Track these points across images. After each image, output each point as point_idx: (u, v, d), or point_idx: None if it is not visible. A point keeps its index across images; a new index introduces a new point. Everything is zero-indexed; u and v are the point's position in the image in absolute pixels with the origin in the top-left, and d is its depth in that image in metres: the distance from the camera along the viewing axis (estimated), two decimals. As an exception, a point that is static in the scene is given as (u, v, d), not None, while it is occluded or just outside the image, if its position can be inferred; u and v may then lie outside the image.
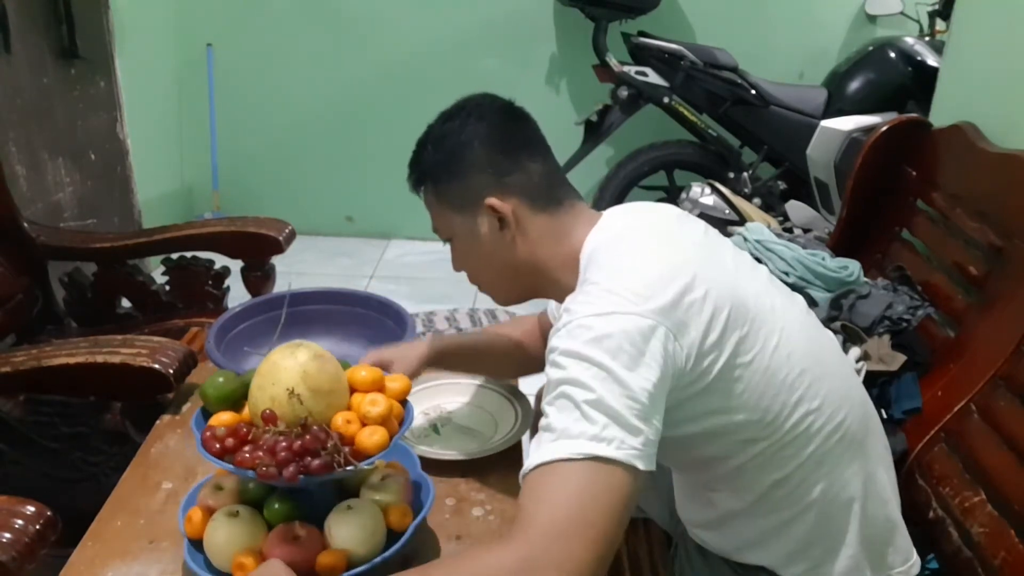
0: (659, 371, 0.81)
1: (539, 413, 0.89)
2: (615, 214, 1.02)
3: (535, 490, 0.78)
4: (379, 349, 1.13)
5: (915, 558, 1.05)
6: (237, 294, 1.83)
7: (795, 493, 0.95)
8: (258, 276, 1.83)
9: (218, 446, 0.89)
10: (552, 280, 1.01)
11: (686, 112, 2.88)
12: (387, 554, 0.90)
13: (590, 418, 0.78)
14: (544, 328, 1.28)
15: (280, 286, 1.79)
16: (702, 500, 1.04)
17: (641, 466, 0.78)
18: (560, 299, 0.99)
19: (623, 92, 2.83)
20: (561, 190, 1.03)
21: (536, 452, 0.80)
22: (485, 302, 2.97)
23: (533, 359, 1.24)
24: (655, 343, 0.82)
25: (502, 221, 0.99)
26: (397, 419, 0.96)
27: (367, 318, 1.40)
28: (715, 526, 1.04)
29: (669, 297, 0.85)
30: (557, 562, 0.73)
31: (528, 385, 1.40)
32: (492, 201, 0.98)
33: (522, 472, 0.80)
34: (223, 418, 0.94)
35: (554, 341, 0.84)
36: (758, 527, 0.98)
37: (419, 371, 1.14)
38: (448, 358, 1.21)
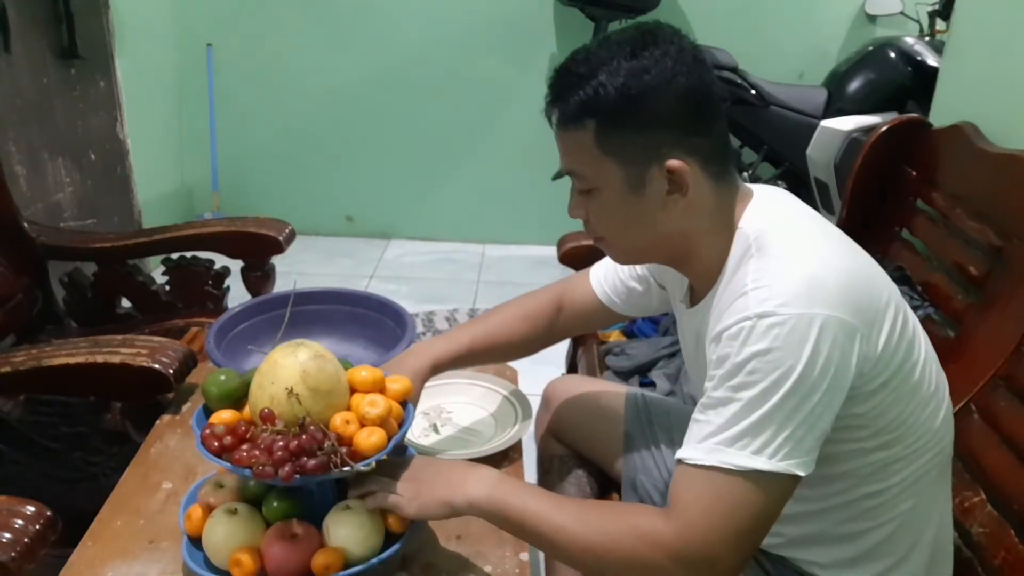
0: (849, 377, 0.80)
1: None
2: (766, 191, 0.94)
3: (701, 487, 0.80)
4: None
5: None
6: (237, 294, 1.83)
7: (884, 506, 0.92)
8: (258, 276, 1.83)
9: (217, 444, 0.89)
10: (694, 254, 0.93)
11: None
12: (384, 555, 0.90)
13: (768, 429, 0.78)
14: (574, 298, 1.22)
15: (280, 286, 1.79)
16: None
17: (804, 473, 0.80)
18: (691, 274, 0.96)
19: (623, 92, 2.83)
20: (731, 161, 0.93)
21: (708, 445, 0.80)
22: (485, 302, 2.98)
23: (544, 337, 1.23)
24: (850, 347, 0.79)
25: (676, 185, 0.87)
26: (396, 420, 0.96)
27: (367, 318, 1.40)
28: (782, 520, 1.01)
29: (864, 298, 0.82)
30: (709, 562, 0.80)
31: (528, 385, 1.40)
32: (674, 164, 0.86)
33: (688, 457, 0.81)
34: (224, 416, 0.94)
35: (741, 332, 0.79)
36: (832, 530, 0.95)
37: (422, 382, 1.13)
38: (453, 364, 1.18)
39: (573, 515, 0.87)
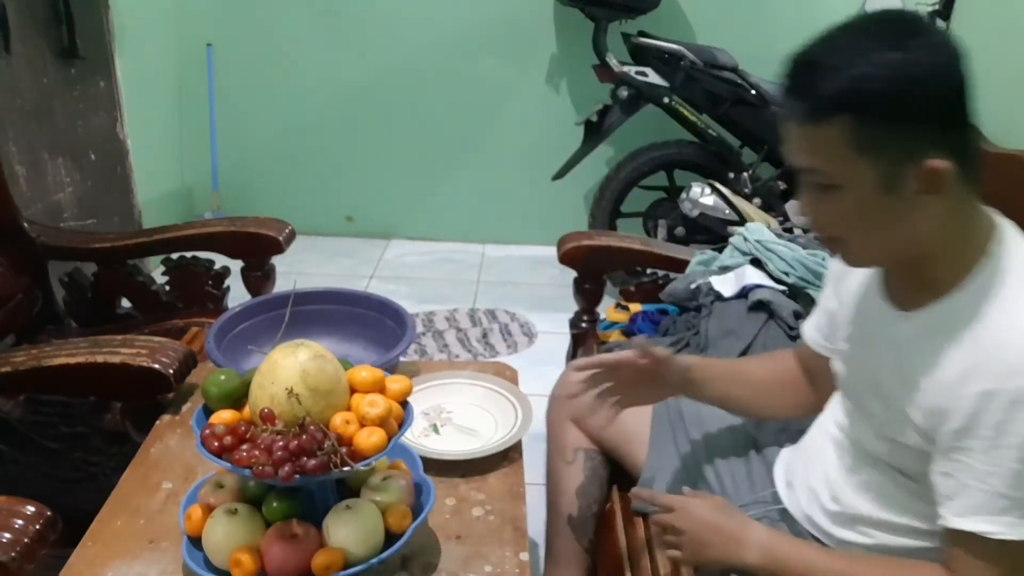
0: None
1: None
2: (1011, 224, 0.89)
3: (997, 559, 0.82)
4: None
5: None
6: (237, 294, 1.83)
7: None
8: (258, 276, 1.83)
9: (217, 444, 0.89)
10: (926, 263, 0.87)
11: (686, 112, 2.88)
12: (384, 555, 0.90)
13: None
14: (805, 362, 1.17)
15: (280, 286, 1.79)
16: (891, 502, 0.98)
17: None
18: (912, 279, 0.90)
19: (623, 92, 2.83)
20: (979, 162, 0.85)
21: (1010, 520, 0.80)
22: (485, 302, 2.98)
23: (790, 403, 1.18)
24: None
25: (932, 185, 0.80)
26: (397, 420, 0.96)
27: (367, 318, 1.40)
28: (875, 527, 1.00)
29: None
30: None
31: (528, 386, 1.40)
32: (937, 163, 0.79)
33: (988, 532, 0.81)
34: (224, 416, 0.94)
35: (1017, 382, 0.77)
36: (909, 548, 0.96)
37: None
38: (694, 374, 1.14)
39: (860, 570, 0.91)
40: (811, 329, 1.14)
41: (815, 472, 1.08)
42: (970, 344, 0.83)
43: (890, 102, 0.78)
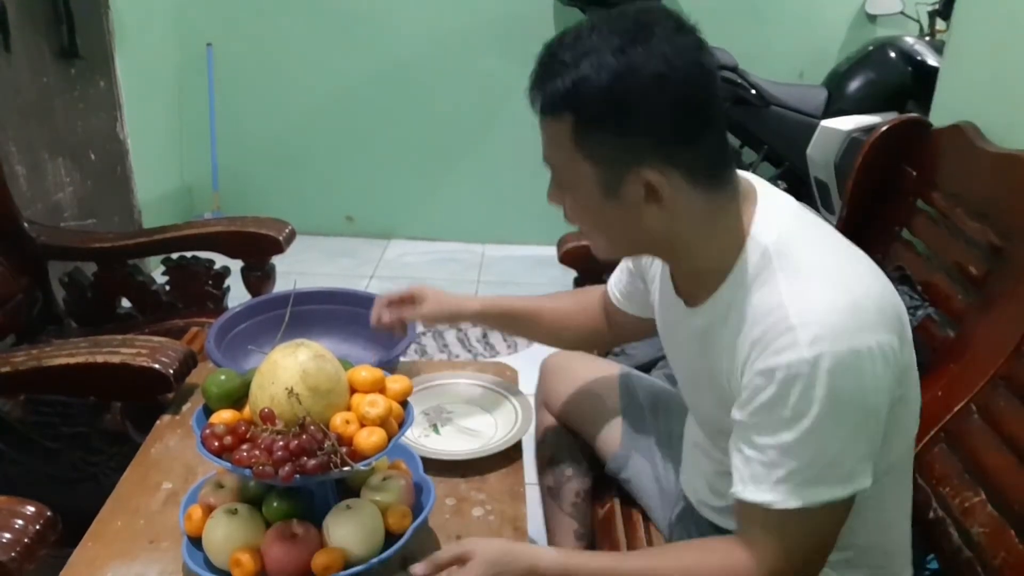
0: (893, 390, 0.82)
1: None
2: (766, 190, 0.92)
3: (789, 527, 0.83)
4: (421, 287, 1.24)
5: None
6: (237, 294, 1.83)
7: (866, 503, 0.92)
8: (258, 276, 1.83)
9: (217, 444, 0.89)
10: (685, 256, 0.90)
11: (686, 112, 2.88)
12: (384, 555, 0.90)
13: (847, 460, 0.80)
14: (607, 307, 1.23)
15: (280, 286, 1.79)
16: None
17: (871, 481, 0.82)
18: (682, 273, 0.95)
19: (623, 92, 2.83)
20: (727, 166, 0.87)
21: (790, 488, 0.81)
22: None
23: (586, 337, 1.28)
24: (895, 362, 0.81)
25: (652, 195, 0.82)
26: (397, 420, 0.96)
27: (367, 318, 1.39)
28: None
29: (893, 314, 0.83)
30: None
31: (528, 385, 1.40)
32: (650, 176, 0.80)
33: (770, 502, 0.82)
34: (224, 416, 0.94)
35: (799, 378, 0.78)
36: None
37: (450, 317, 1.25)
38: (491, 320, 1.26)
39: (659, 558, 0.92)
40: (613, 284, 1.21)
41: (694, 472, 1.13)
42: (746, 328, 0.83)
43: (604, 108, 0.78)
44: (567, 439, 1.33)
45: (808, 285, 0.81)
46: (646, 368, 1.72)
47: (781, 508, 0.81)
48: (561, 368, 1.38)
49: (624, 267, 1.18)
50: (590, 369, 1.36)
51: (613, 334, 1.27)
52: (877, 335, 0.79)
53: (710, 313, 0.91)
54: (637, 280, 1.15)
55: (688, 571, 0.88)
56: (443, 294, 1.25)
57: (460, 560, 0.88)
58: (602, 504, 1.30)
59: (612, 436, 1.29)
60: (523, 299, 1.27)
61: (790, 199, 0.93)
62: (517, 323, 1.27)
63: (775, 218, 0.87)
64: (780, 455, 0.81)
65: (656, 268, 1.07)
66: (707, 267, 0.89)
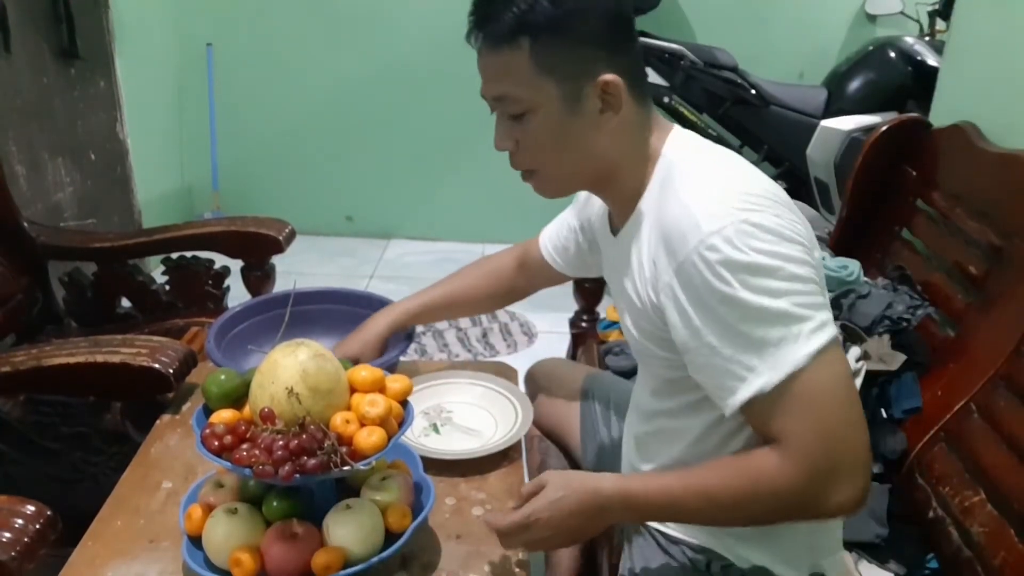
0: (806, 243, 0.84)
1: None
2: (686, 131, 0.97)
3: (788, 407, 0.79)
4: (341, 343, 1.25)
5: None
6: (237, 294, 1.83)
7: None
8: (258, 276, 1.83)
9: (217, 444, 0.89)
10: (618, 178, 0.95)
11: (686, 112, 2.88)
12: (384, 554, 0.90)
13: (792, 315, 0.79)
14: (530, 257, 1.30)
15: (280, 286, 1.79)
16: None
17: (835, 331, 0.82)
18: (614, 200, 0.99)
19: (623, 92, 2.83)
20: (647, 81, 0.96)
21: (769, 363, 0.79)
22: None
23: (507, 294, 1.34)
24: (799, 231, 0.83)
25: (608, 103, 0.90)
26: (397, 420, 0.96)
27: (367, 318, 1.40)
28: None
29: (783, 197, 0.87)
30: (836, 463, 0.79)
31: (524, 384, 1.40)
32: (609, 78, 0.88)
33: (764, 385, 0.79)
34: (224, 416, 0.94)
35: (692, 242, 0.81)
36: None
37: (383, 346, 1.26)
38: (414, 320, 1.31)
39: (710, 481, 0.86)
40: (547, 241, 1.28)
41: (628, 445, 1.14)
42: (655, 238, 0.88)
43: (559, 23, 0.86)
44: (553, 447, 1.35)
45: (702, 182, 0.86)
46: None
47: (773, 387, 0.79)
48: (536, 378, 1.44)
49: (564, 222, 1.24)
50: (563, 378, 1.40)
51: (527, 287, 1.34)
52: (773, 210, 0.82)
53: (629, 233, 0.95)
54: (577, 236, 1.20)
55: (738, 496, 0.83)
56: (365, 334, 1.28)
57: (539, 487, 0.90)
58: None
59: (576, 443, 1.33)
60: (433, 290, 1.33)
61: (698, 136, 0.98)
62: (436, 315, 1.36)
63: (682, 141, 0.94)
64: (735, 342, 0.80)
65: (598, 222, 1.10)
66: (630, 188, 0.94)
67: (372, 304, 1.41)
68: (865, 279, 1.51)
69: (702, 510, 0.86)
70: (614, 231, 1.02)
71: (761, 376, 0.79)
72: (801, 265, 0.81)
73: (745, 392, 0.81)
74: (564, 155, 0.93)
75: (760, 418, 0.82)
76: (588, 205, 1.15)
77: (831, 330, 0.81)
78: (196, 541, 0.93)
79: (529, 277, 1.32)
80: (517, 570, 0.97)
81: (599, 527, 0.90)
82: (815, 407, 0.79)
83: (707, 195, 0.84)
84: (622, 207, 0.97)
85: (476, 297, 1.33)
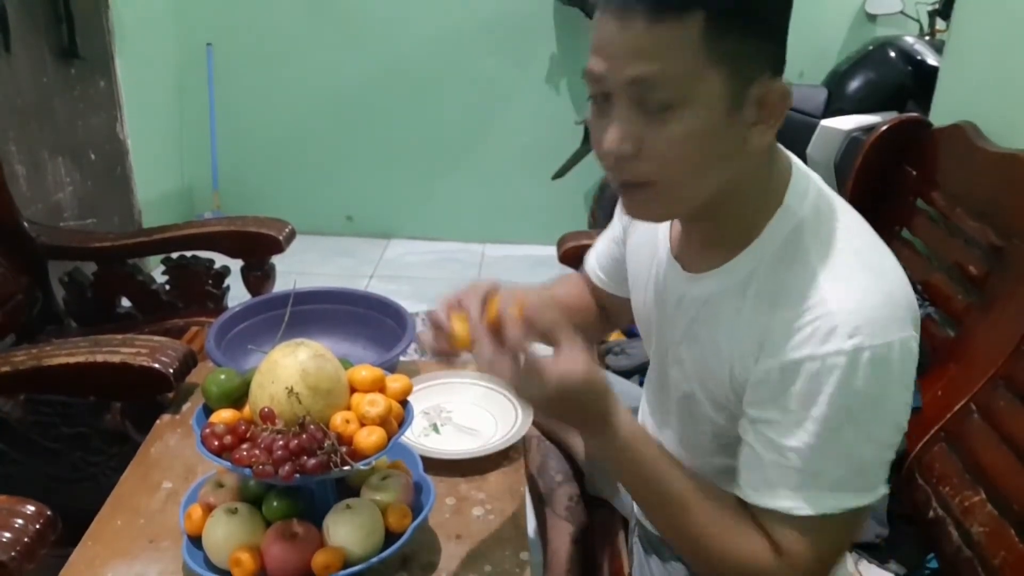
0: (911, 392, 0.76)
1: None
2: (800, 163, 0.82)
3: (808, 533, 0.76)
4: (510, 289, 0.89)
5: None
6: (237, 294, 1.83)
7: None
8: (258, 276, 1.83)
9: (217, 443, 0.89)
10: (726, 212, 0.79)
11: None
12: (384, 554, 0.90)
13: (870, 468, 0.75)
14: (592, 291, 1.15)
15: (280, 286, 1.79)
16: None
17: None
18: (704, 235, 0.84)
19: (623, 92, 2.83)
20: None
21: (812, 495, 0.75)
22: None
23: (594, 324, 1.17)
24: (915, 360, 0.75)
25: (765, 115, 0.72)
26: (397, 419, 0.96)
27: (367, 318, 1.40)
28: None
29: (915, 303, 0.76)
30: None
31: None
32: (779, 85, 0.72)
33: (792, 508, 0.76)
34: (224, 415, 0.94)
35: (835, 369, 0.71)
36: None
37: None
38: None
39: (701, 500, 0.80)
40: (593, 259, 1.13)
41: None
42: (768, 309, 0.75)
43: (744, 5, 0.70)
44: (553, 448, 1.32)
45: (843, 271, 0.74)
46: (646, 368, 1.72)
47: (801, 515, 0.76)
48: None
49: (609, 236, 1.09)
50: None
51: (607, 318, 1.17)
52: (907, 329, 0.73)
53: (722, 281, 0.81)
54: (621, 247, 1.05)
55: (720, 542, 0.79)
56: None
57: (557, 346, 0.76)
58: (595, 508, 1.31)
59: (576, 443, 1.30)
60: (558, 295, 1.14)
61: (815, 176, 0.84)
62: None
63: (807, 188, 0.79)
64: (801, 459, 0.74)
65: (639, 229, 0.99)
66: (735, 229, 0.79)
67: (372, 304, 1.41)
68: (865, 279, 1.50)
69: (664, 509, 0.82)
70: (683, 265, 0.87)
71: (797, 501, 0.76)
72: (904, 417, 0.76)
73: (775, 502, 0.77)
74: (703, 169, 0.73)
75: (771, 522, 0.78)
76: (632, 225, 1.02)
77: (881, 491, 0.77)
78: (196, 541, 0.93)
79: (602, 308, 1.17)
80: (517, 571, 0.97)
81: (580, 417, 0.79)
82: (828, 539, 0.78)
83: (850, 292, 0.72)
84: (709, 247, 0.83)
85: (570, 309, 1.14)
